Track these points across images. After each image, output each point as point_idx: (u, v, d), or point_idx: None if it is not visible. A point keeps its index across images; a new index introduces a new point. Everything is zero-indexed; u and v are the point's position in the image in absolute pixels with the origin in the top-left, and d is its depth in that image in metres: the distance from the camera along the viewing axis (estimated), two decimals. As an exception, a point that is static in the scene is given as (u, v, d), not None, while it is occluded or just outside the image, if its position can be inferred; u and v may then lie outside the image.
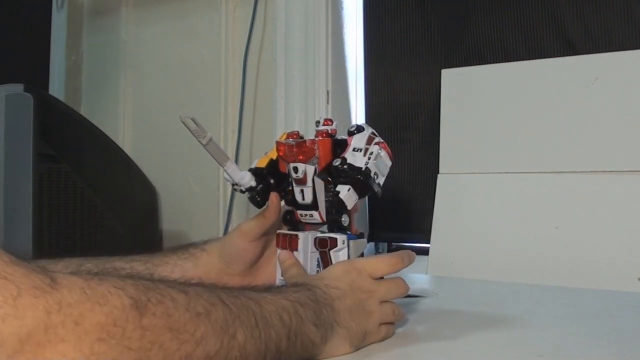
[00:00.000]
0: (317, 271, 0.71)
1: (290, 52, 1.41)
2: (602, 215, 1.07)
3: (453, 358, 0.61)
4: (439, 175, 1.26)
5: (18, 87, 1.08)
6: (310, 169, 0.70)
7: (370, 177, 0.68)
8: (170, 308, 0.42)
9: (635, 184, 1.06)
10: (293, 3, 1.41)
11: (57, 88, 1.75)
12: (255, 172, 0.73)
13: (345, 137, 0.72)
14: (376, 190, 0.69)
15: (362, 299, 0.62)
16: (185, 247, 0.76)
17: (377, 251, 1.41)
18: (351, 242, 0.69)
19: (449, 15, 1.33)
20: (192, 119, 0.65)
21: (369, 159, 0.69)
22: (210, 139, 0.67)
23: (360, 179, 0.68)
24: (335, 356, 0.58)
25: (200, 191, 1.56)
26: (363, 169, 0.68)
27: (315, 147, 0.70)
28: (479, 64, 1.27)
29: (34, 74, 1.75)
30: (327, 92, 1.39)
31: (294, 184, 0.71)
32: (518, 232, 1.13)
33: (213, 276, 0.73)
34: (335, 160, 0.69)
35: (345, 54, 1.44)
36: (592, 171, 1.11)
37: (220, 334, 0.45)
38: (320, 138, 0.71)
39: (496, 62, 1.26)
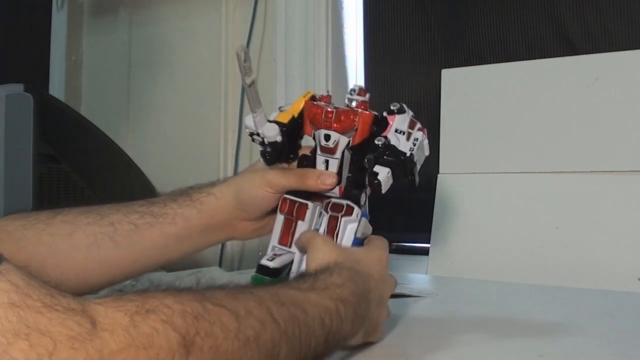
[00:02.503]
0: None
1: (290, 52, 1.41)
2: (602, 215, 1.07)
3: (453, 358, 0.61)
4: (439, 175, 1.26)
5: (18, 87, 1.08)
6: (344, 141, 0.65)
7: (415, 164, 0.64)
8: (219, 339, 0.40)
9: (635, 184, 1.06)
10: (293, 3, 1.41)
11: (57, 88, 1.75)
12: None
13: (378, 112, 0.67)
14: (416, 179, 0.65)
15: (383, 292, 0.61)
16: (186, 192, 0.71)
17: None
18: (363, 219, 0.65)
19: (449, 15, 1.33)
20: (245, 53, 0.58)
21: (414, 145, 0.65)
22: (253, 81, 0.62)
23: (403, 164, 0.63)
24: (349, 346, 0.57)
25: (200, 191, 1.56)
26: (408, 154, 0.64)
27: (356, 119, 0.64)
28: (479, 64, 1.27)
29: (34, 74, 1.75)
30: (327, 92, 1.38)
31: (318, 151, 0.67)
32: (518, 232, 1.13)
33: (219, 221, 0.70)
34: (378, 139, 0.64)
35: (345, 54, 1.44)
36: (592, 171, 1.11)
37: (265, 357, 0.43)
38: (362, 110, 0.65)
39: (496, 62, 1.26)
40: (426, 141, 0.67)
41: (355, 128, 0.64)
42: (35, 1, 1.78)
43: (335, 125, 0.65)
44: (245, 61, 0.59)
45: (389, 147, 0.64)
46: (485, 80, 1.24)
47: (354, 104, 0.66)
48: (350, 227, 0.64)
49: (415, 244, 1.34)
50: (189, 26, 1.61)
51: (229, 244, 1.46)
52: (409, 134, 0.65)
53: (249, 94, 0.63)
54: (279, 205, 0.68)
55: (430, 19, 1.36)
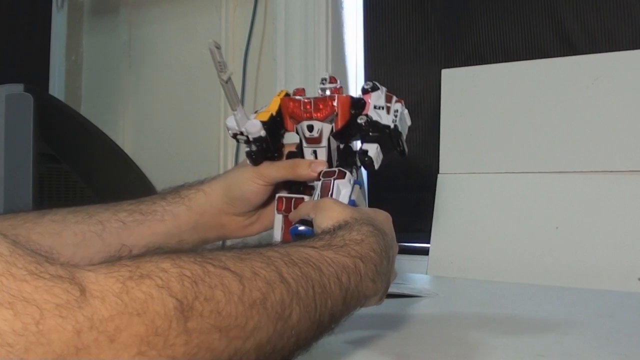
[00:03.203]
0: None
1: (290, 52, 1.41)
2: (602, 215, 1.07)
3: (453, 358, 0.61)
4: (439, 175, 1.26)
5: (18, 87, 1.08)
6: (327, 128, 0.66)
7: (401, 134, 0.65)
8: (221, 302, 0.37)
9: (635, 184, 1.06)
10: (293, 3, 1.41)
11: (57, 88, 1.75)
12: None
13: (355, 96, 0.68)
14: (405, 149, 0.66)
15: (394, 252, 0.60)
16: (176, 190, 0.71)
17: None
18: (356, 185, 0.65)
19: (449, 15, 1.33)
20: (218, 49, 0.59)
21: (395, 116, 0.65)
22: (230, 78, 0.63)
23: (390, 137, 0.64)
24: (366, 306, 0.55)
25: (200, 191, 1.56)
26: (392, 126, 0.65)
27: (335, 104, 0.65)
28: (479, 64, 1.27)
29: (34, 74, 1.75)
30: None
31: (304, 144, 0.67)
32: (518, 232, 1.13)
33: (209, 218, 0.69)
34: (360, 118, 0.65)
35: (345, 54, 1.44)
36: (592, 171, 1.11)
37: (274, 320, 0.41)
38: (338, 95, 0.66)
39: (496, 62, 1.26)
40: (406, 111, 0.67)
41: (335, 113, 0.65)
42: (35, 1, 1.78)
43: (315, 114, 0.65)
44: (219, 57, 0.59)
45: (372, 124, 0.65)
46: (485, 80, 1.24)
47: (327, 92, 0.67)
48: (344, 191, 0.64)
49: (415, 244, 1.34)
50: (189, 26, 1.61)
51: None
52: (388, 108, 0.66)
53: (227, 91, 0.63)
54: (276, 205, 0.68)
55: (430, 19, 1.36)
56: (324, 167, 0.66)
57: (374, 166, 0.65)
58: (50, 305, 0.31)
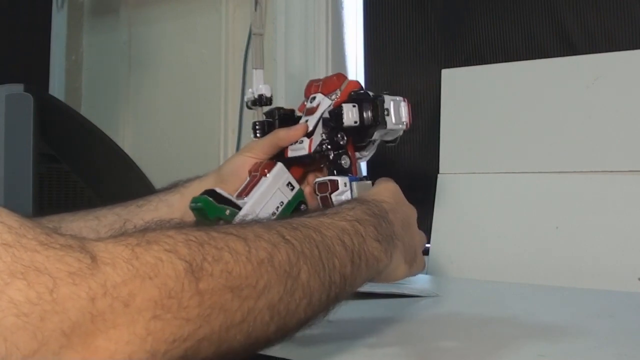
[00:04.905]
0: (274, 213, 0.65)
1: (290, 52, 1.41)
2: (602, 215, 1.07)
3: (453, 358, 0.61)
4: (439, 175, 1.26)
5: (18, 87, 1.08)
6: (326, 103, 0.68)
7: (383, 102, 0.65)
8: (229, 263, 0.38)
9: (635, 184, 1.06)
10: (293, 3, 1.41)
11: (57, 88, 1.75)
12: (272, 109, 0.72)
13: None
14: (387, 123, 0.65)
15: (407, 213, 0.61)
16: (176, 182, 0.73)
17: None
18: (354, 183, 0.65)
19: (449, 15, 1.33)
20: (258, 4, 0.66)
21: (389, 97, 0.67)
22: (262, 35, 0.68)
23: (371, 100, 0.64)
24: (396, 279, 0.56)
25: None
26: (371, 96, 0.66)
27: (341, 81, 0.68)
28: (479, 64, 1.27)
29: (34, 74, 1.75)
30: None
31: (303, 116, 0.70)
32: (518, 232, 1.13)
33: None
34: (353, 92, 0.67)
35: (345, 54, 1.44)
36: (592, 171, 1.11)
37: (283, 278, 0.41)
38: (350, 79, 0.69)
39: (496, 62, 1.26)
40: (404, 104, 0.67)
41: (339, 89, 0.68)
42: (35, 1, 1.78)
43: (322, 89, 0.69)
44: (255, 11, 0.64)
45: (360, 93, 0.67)
46: (485, 80, 1.24)
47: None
48: (344, 199, 0.64)
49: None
50: (189, 26, 1.61)
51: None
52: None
53: (256, 46, 0.68)
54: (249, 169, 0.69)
55: (430, 19, 1.35)
56: (302, 129, 0.68)
57: (342, 115, 0.64)
58: (62, 273, 0.31)
